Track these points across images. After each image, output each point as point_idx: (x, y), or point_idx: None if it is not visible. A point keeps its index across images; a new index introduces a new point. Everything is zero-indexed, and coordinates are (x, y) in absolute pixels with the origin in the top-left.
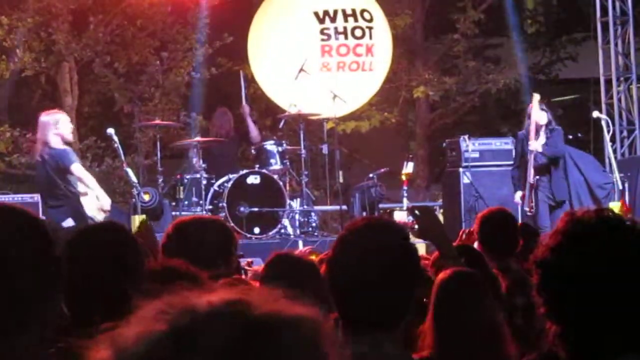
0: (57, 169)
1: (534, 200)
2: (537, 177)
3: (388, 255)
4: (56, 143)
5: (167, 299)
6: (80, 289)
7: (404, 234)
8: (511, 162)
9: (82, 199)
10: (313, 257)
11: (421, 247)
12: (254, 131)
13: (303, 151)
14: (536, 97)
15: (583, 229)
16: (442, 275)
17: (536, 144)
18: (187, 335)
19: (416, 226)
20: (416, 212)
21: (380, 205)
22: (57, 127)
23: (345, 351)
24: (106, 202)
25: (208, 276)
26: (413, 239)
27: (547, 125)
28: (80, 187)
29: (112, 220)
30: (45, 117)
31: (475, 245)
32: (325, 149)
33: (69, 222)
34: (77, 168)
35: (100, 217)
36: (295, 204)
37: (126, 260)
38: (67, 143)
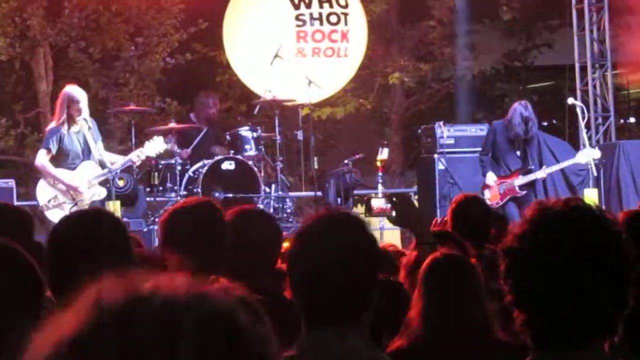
0: None
1: (503, 200)
2: (525, 191)
3: (348, 249)
4: (56, 120)
5: (99, 285)
6: (65, 275)
7: (362, 225)
8: None
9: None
10: (286, 244)
11: (396, 233)
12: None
13: (278, 137)
14: None
15: (551, 218)
16: (430, 259)
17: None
18: (108, 331)
19: (393, 213)
20: (394, 199)
21: (355, 192)
22: (65, 104)
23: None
24: (79, 184)
25: None
26: (387, 224)
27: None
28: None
29: (97, 207)
30: (66, 89)
31: None
32: (300, 135)
33: None
34: (39, 156)
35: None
36: (270, 190)
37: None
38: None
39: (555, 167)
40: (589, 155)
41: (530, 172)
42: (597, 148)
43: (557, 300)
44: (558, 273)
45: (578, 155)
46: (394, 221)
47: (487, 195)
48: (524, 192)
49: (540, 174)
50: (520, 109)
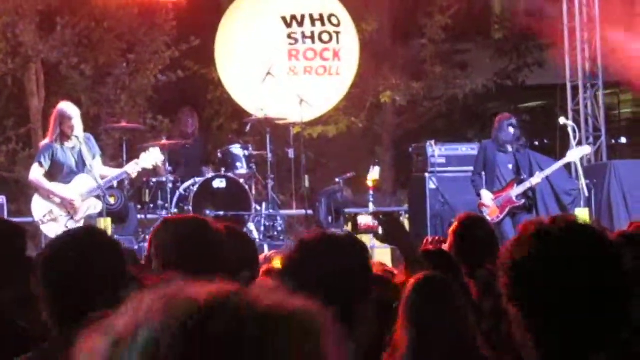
0: None
1: (503, 213)
2: (523, 200)
3: (341, 271)
4: (50, 136)
5: (162, 289)
6: (60, 292)
7: (355, 247)
8: None
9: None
10: (277, 262)
11: (387, 252)
12: None
13: (269, 155)
14: None
15: (551, 234)
16: (413, 280)
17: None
18: (191, 326)
19: (380, 230)
20: (380, 216)
21: (346, 210)
22: (58, 121)
23: (344, 345)
24: (73, 196)
25: None
26: (378, 243)
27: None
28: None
29: (91, 225)
30: (60, 106)
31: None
32: (291, 153)
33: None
34: (32, 171)
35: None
36: (261, 208)
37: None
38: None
39: (548, 171)
40: (579, 152)
41: (523, 181)
42: (586, 145)
43: (558, 314)
44: (559, 287)
45: (569, 154)
46: (381, 238)
47: (486, 212)
48: (522, 201)
49: (535, 180)
50: (503, 118)
